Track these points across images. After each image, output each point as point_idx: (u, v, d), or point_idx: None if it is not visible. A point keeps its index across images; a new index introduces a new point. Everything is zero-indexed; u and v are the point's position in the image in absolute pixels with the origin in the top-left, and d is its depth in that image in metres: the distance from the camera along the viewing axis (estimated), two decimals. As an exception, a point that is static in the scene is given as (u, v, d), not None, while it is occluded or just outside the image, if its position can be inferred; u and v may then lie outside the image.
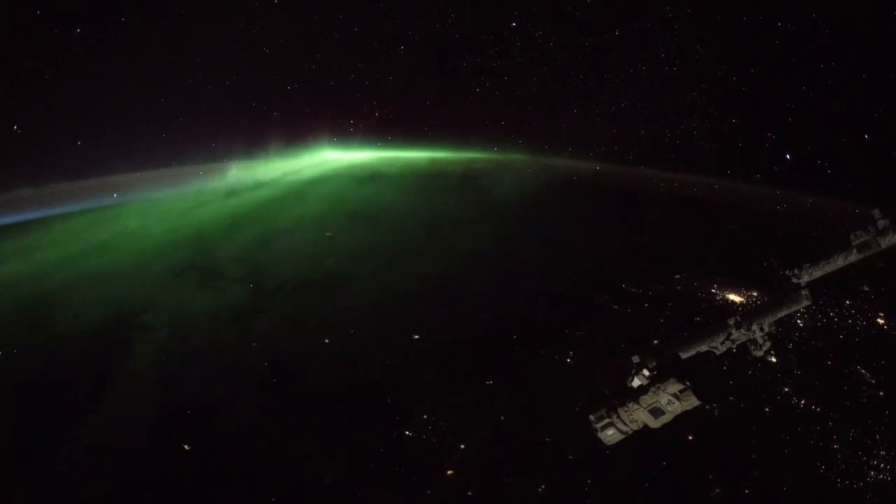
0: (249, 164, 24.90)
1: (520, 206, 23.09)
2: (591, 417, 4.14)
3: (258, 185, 25.54)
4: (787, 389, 17.03)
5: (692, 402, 4.01)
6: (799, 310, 4.27)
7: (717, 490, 15.31)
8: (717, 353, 4.36)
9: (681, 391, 3.97)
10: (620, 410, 4.05)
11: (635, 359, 4.13)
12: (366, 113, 23.27)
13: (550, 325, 19.08)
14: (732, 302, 19.28)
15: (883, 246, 4.06)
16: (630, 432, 4.12)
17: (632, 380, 4.10)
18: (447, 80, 22.48)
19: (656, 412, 4.03)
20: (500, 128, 22.87)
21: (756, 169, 19.82)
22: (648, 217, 22.63)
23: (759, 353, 4.27)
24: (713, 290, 19.73)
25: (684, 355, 4.24)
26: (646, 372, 4.06)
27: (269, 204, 24.80)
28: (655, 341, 4.36)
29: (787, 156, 18.20)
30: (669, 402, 3.99)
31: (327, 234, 22.93)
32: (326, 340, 18.76)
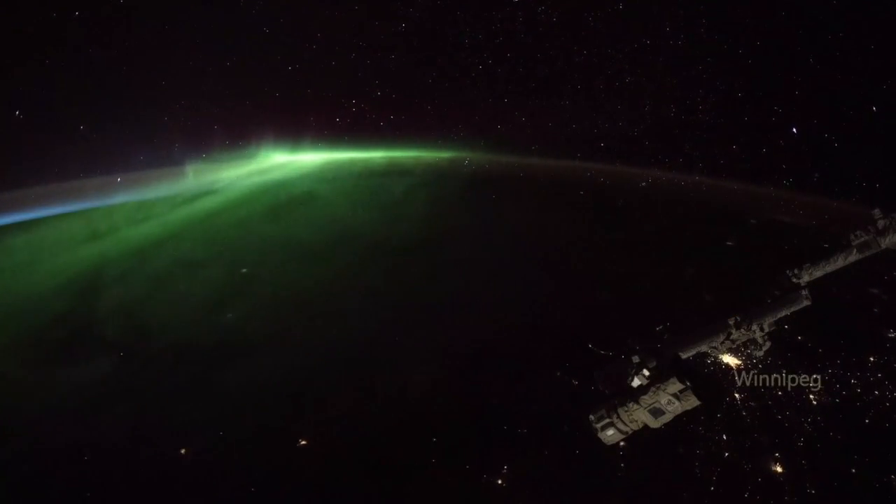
0: (207, 168, 21.25)
1: (479, 226, 19.55)
2: (591, 417, 4.15)
3: (193, 197, 21.35)
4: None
5: (692, 402, 4.01)
6: (798, 310, 4.27)
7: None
8: (718, 353, 4.37)
9: (681, 391, 3.98)
10: (620, 410, 4.06)
11: (635, 359, 4.13)
12: (368, 92, 22.64)
13: (483, 419, 14.27)
14: (729, 367, 13.17)
15: (883, 246, 4.07)
16: (630, 432, 4.13)
17: (632, 380, 4.10)
18: (447, 58, 21.98)
19: (656, 412, 4.03)
20: (503, 105, 22.34)
21: (762, 145, 19.29)
22: (631, 235, 18.95)
23: (760, 354, 4.28)
24: (705, 350, 14.15)
25: (684, 355, 4.24)
26: (646, 372, 4.06)
27: (192, 226, 20.13)
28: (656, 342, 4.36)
29: (794, 129, 17.74)
30: (669, 402, 4.00)
31: (243, 270, 18.79)
32: (182, 451, 14.09)
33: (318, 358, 15.43)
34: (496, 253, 19.03)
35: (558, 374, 14.86)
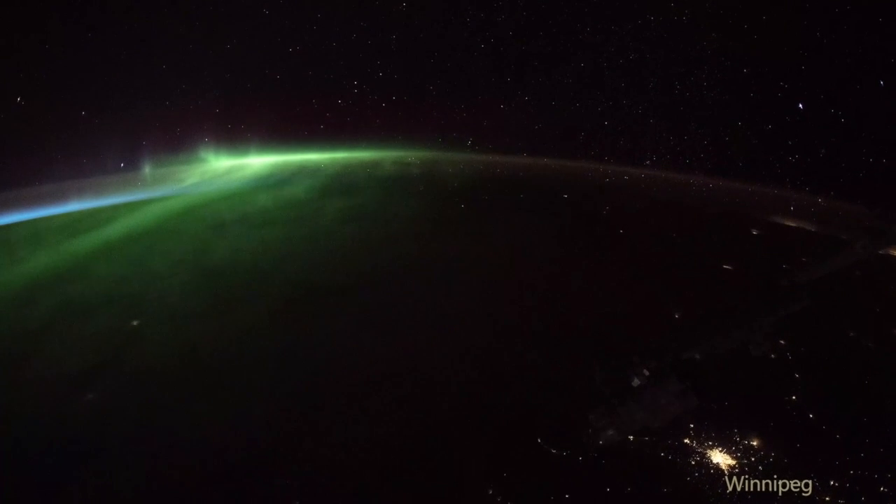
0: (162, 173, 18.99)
1: (434, 257, 16.20)
2: (591, 417, 4.15)
3: (105, 220, 18.28)
4: None
5: (692, 401, 4.02)
6: (798, 310, 4.28)
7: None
8: (718, 352, 4.37)
9: (681, 391, 3.98)
10: (620, 410, 4.06)
11: (636, 359, 4.14)
12: (369, 74, 22.43)
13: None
14: (723, 471, 10.08)
15: (883, 246, 4.07)
16: (630, 432, 4.13)
17: (632, 380, 4.11)
18: (451, 38, 21.72)
19: (656, 412, 4.04)
20: (505, 83, 22.07)
21: (766, 121, 18.94)
22: (614, 272, 15.28)
23: (759, 353, 4.28)
24: (694, 445, 10.28)
25: (684, 355, 4.24)
26: (646, 372, 4.07)
27: (95, 257, 16.84)
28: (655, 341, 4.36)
29: (800, 105, 17.53)
30: (669, 402, 4.00)
31: (134, 322, 14.89)
32: None
33: (192, 462, 10.11)
34: (447, 297, 15.17)
35: (503, 475, 9.73)
